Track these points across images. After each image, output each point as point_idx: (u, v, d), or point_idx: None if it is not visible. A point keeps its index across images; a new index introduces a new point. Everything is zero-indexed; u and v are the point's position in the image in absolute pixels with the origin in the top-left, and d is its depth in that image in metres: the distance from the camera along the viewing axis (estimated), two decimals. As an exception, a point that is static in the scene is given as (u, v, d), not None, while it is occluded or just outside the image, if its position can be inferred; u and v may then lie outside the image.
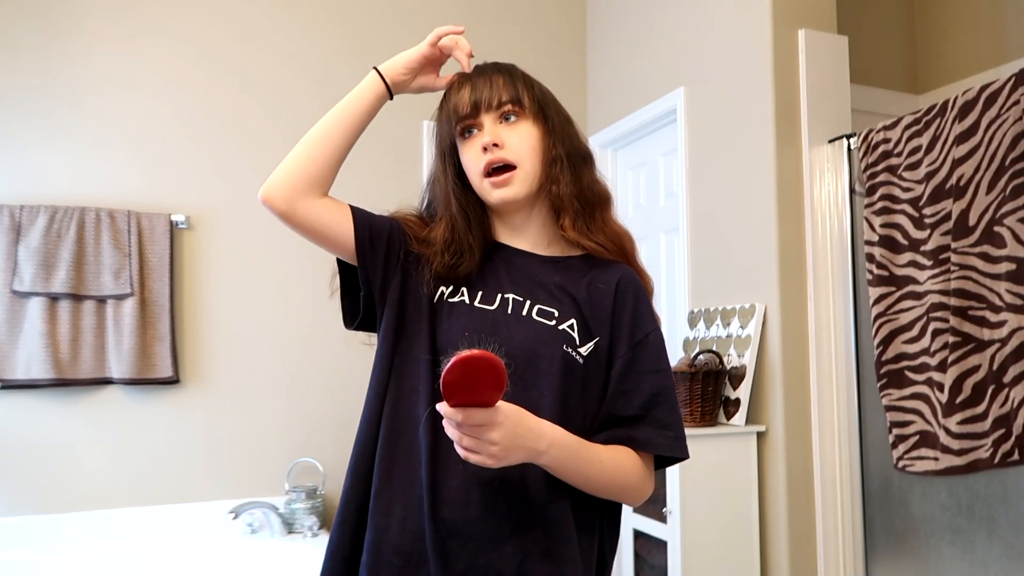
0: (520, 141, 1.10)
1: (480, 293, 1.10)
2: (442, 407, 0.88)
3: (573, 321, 1.06)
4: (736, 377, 2.43)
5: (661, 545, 2.34)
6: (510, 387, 0.89)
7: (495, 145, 1.08)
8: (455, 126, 1.12)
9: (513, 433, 0.91)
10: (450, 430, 0.91)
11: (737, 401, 2.41)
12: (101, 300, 2.64)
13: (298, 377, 2.95)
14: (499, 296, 1.09)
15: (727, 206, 2.59)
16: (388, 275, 1.13)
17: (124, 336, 2.62)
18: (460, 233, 1.11)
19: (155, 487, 2.72)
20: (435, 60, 1.19)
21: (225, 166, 2.90)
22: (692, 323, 2.72)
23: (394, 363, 1.10)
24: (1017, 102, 1.85)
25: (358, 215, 1.13)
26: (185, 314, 2.81)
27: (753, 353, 2.39)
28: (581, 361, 1.05)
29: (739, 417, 2.38)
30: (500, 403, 0.89)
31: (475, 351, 0.83)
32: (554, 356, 1.03)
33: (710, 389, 2.39)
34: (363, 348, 3.28)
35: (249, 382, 2.88)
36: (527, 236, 1.15)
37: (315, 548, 2.56)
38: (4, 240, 2.53)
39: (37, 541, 2.54)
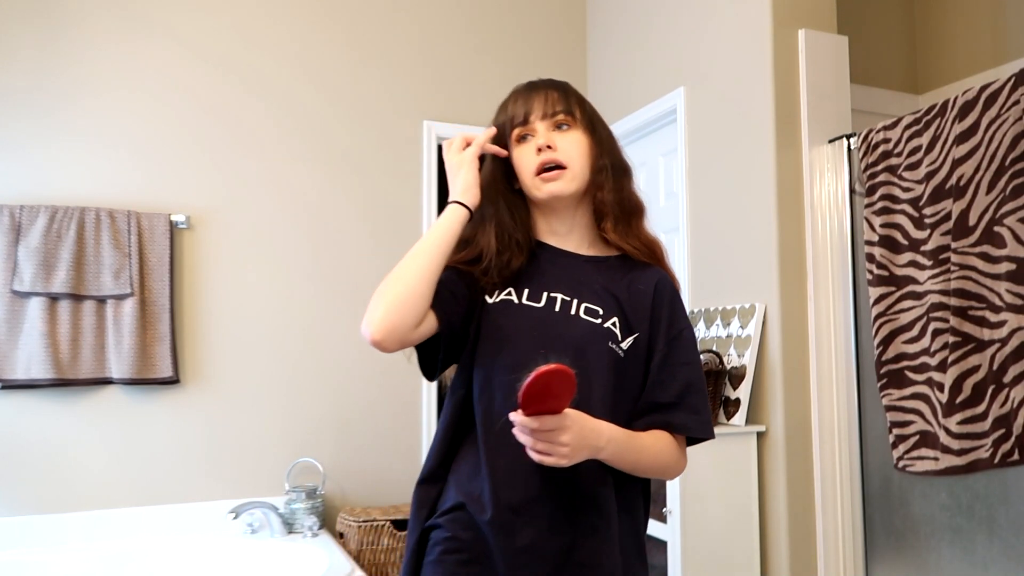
0: (571, 146, 1.19)
1: (527, 291, 1.18)
2: (517, 417, 0.97)
3: (616, 319, 1.16)
4: (736, 377, 2.43)
5: (661, 545, 2.34)
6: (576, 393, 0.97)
7: (549, 147, 1.17)
8: (511, 132, 1.21)
9: (580, 435, 1.01)
10: (523, 437, 1.00)
11: (737, 401, 2.41)
12: (101, 300, 2.64)
13: (298, 377, 2.95)
14: (545, 294, 1.18)
15: (727, 206, 2.59)
16: (470, 325, 1.20)
17: (124, 336, 2.62)
18: (508, 230, 1.20)
19: (155, 487, 2.72)
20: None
21: (225, 166, 2.90)
22: (692, 323, 2.72)
23: (465, 373, 1.20)
24: (1017, 102, 1.85)
25: (440, 312, 1.14)
26: (185, 314, 2.81)
27: (753, 353, 2.39)
28: (622, 355, 1.15)
29: (739, 417, 2.38)
30: (567, 408, 0.98)
31: (552, 364, 0.90)
32: (601, 352, 1.14)
33: (710, 389, 2.39)
34: (363, 348, 3.29)
35: (249, 382, 2.88)
36: (571, 237, 1.24)
37: (315, 548, 2.55)
38: (4, 240, 2.53)
39: (37, 541, 2.54)
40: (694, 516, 2.28)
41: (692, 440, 1.20)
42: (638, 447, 1.11)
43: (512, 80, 3.74)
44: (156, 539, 2.65)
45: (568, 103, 1.21)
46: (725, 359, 2.48)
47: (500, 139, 1.23)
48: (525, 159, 1.19)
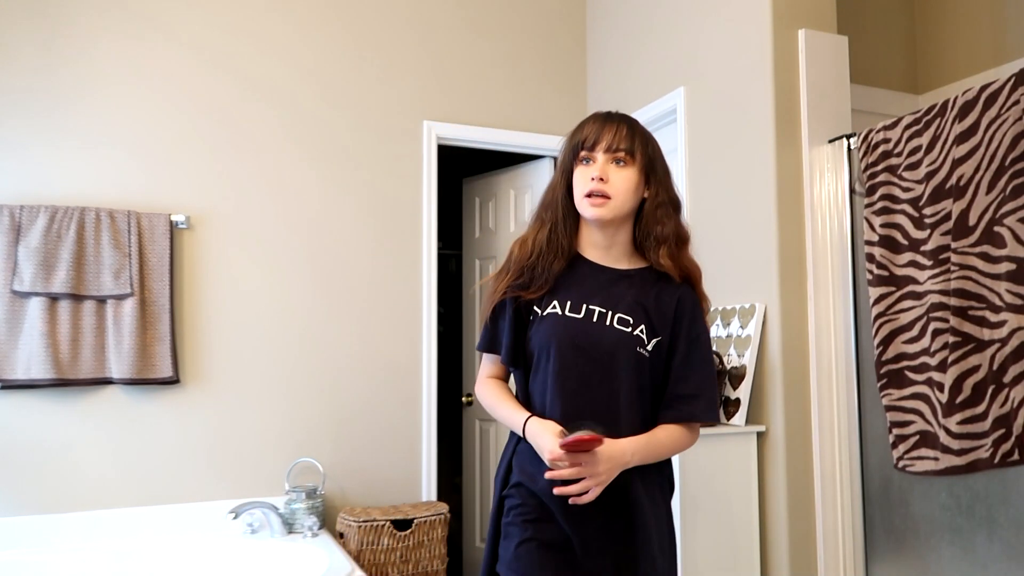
0: (621, 181, 1.40)
1: (569, 303, 1.43)
2: (558, 453, 1.28)
3: (643, 326, 1.41)
4: (736, 377, 2.43)
5: (661, 545, 2.34)
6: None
7: (601, 180, 1.39)
8: (578, 152, 1.43)
9: (610, 459, 1.31)
10: (566, 473, 1.29)
11: (737, 401, 2.41)
12: (101, 300, 2.64)
13: (298, 377, 2.95)
14: (584, 306, 1.42)
15: (727, 206, 2.59)
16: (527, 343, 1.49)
17: (124, 336, 2.62)
18: (558, 234, 1.45)
19: (155, 487, 2.72)
20: None
21: (225, 166, 2.90)
22: (692, 323, 2.72)
23: (523, 374, 1.49)
24: (1017, 102, 1.85)
25: (512, 364, 1.49)
26: (185, 314, 2.81)
27: (753, 353, 2.39)
28: (647, 356, 1.41)
29: (739, 417, 2.38)
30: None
31: (589, 435, 1.23)
32: (630, 356, 1.40)
33: (710, 389, 2.39)
34: (363, 348, 3.29)
35: (249, 382, 2.88)
36: (610, 252, 1.47)
37: (315, 548, 2.56)
38: (4, 240, 2.53)
39: (37, 541, 2.54)
40: (694, 516, 2.28)
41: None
42: (656, 444, 1.39)
43: (512, 80, 3.75)
44: (156, 539, 2.65)
45: (632, 143, 1.41)
46: (725, 359, 2.48)
47: (569, 155, 1.45)
48: (581, 180, 1.42)
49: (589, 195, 1.39)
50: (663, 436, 1.41)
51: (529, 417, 1.41)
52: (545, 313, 1.43)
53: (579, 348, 1.39)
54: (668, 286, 1.45)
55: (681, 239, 1.46)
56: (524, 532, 1.40)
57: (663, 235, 1.43)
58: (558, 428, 1.35)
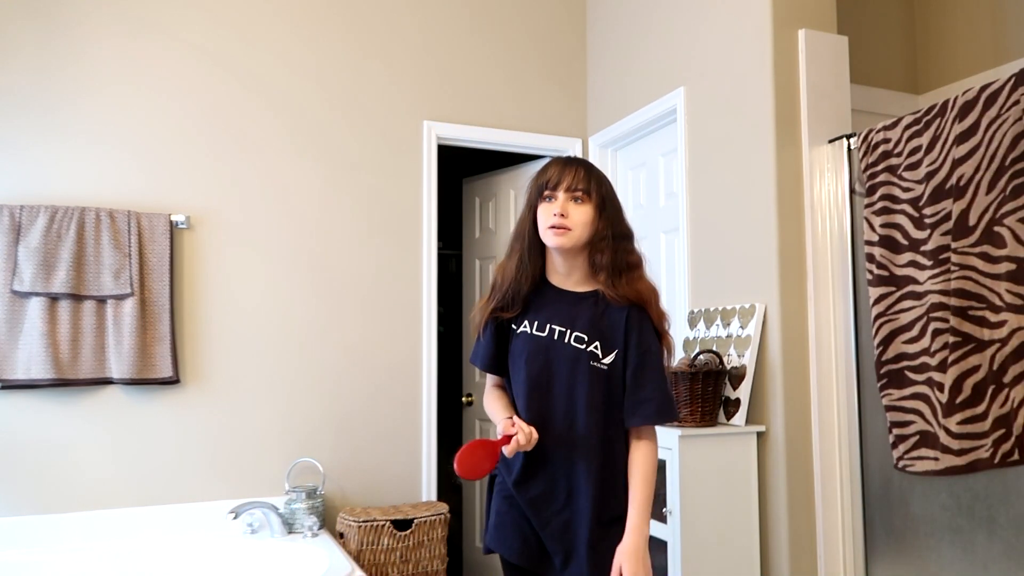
0: (579, 216, 1.61)
1: (536, 323, 1.67)
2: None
3: (598, 343, 1.63)
4: (736, 377, 2.43)
5: (661, 545, 2.34)
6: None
7: (562, 215, 1.60)
8: (543, 191, 1.63)
9: (635, 554, 1.55)
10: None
11: (737, 401, 2.41)
12: (101, 300, 2.64)
13: (298, 377, 2.95)
14: (548, 326, 1.66)
15: (727, 206, 2.59)
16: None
17: (124, 336, 2.62)
18: (525, 262, 1.67)
19: (155, 487, 2.72)
20: None
21: (225, 166, 2.90)
22: (692, 323, 2.72)
23: (508, 380, 1.73)
24: (1017, 102, 1.85)
25: (504, 372, 1.72)
26: (185, 314, 2.81)
27: (753, 353, 2.39)
28: (606, 368, 1.63)
29: (739, 417, 2.38)
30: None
31: (486, 441, 1.53)
32: (586, 369, 1.62)
33: (710, 389, 2.39)
34: (363, 348, 3.28)
35: (249, 382, 2.88)
36: (570, 277, 1.69)
37: (315, 548, 2.55)
38: (4, 240, 2.53)
39: (37, 541, 2.54)
40: (694, 516, 2.28)
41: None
42: (645, 482, 1.59)
43: (512, 80, 3.75)
44: (156, 539, 2.65)
45: (588, 184, 1.62)
46: (725, 359, 2.48)
47: (535, 192, 1.65)
48: (544, 214, 1.63)
49: (552, 227, 1.60)
50: (640, 465, 1.61)
51: (503, 419, 1.64)
52: (519, 332, 1.68)
53: (543, 363, 1.63)
54: (618, 305, 1.64)
55: (620, 267, 1.64)
56: (500, 506, 1.72)
57: (602, 264, 1.63)
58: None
